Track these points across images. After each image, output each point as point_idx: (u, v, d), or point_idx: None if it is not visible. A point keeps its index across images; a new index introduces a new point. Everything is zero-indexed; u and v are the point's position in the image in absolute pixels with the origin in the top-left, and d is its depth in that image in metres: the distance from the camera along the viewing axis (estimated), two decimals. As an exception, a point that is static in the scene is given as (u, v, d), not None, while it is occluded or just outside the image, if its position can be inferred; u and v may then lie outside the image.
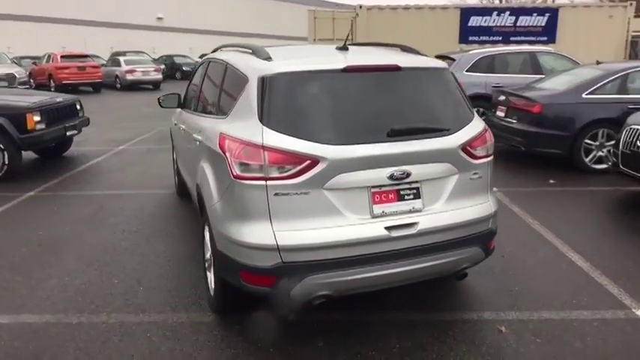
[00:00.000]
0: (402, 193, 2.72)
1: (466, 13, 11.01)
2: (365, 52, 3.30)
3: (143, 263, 4.05)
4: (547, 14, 11.19)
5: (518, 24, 11.25)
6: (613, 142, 6.70)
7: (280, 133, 2.56)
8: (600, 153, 6.77)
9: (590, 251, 4.22)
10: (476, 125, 2.97)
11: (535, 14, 11.22)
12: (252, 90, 2.76)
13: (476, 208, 2.92)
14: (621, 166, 5.30)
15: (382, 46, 3.58)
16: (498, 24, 11.19)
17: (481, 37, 11.19)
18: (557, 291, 3.57)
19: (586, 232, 4.76)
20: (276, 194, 2.54)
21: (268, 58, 2.88)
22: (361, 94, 2.76)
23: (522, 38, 11.18)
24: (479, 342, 2.96)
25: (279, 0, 42.84)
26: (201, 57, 32.20)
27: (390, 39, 11.25)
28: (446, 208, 2.81)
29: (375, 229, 2.64)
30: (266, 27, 40.39)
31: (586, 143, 6.74)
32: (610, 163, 6.76)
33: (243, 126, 2.71)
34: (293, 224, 2.56)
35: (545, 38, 11.30)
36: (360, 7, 10.98)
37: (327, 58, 2.90)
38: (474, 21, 11.15)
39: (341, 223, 2.60)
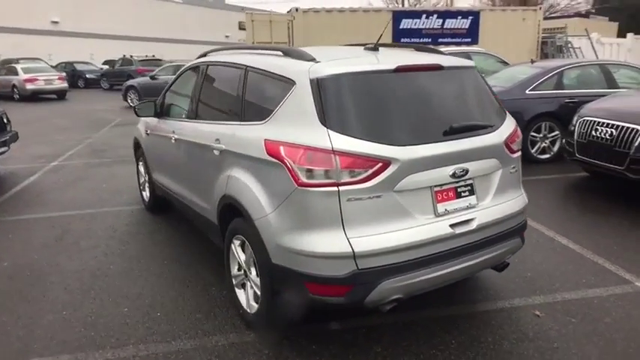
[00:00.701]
0: (459, 190, 2.75)
1: (398, 15, 11.47)
2: (394, 52, 3.29)
3: (147, 287, 3.70)
4: (470, 17, 11.99)
5: (445, 26, 11.93)
6: (555, 134, 7.36)
7: (348, 136, 2.48)
8: (544, 144, 7.37)
9: (573, 234, 4.57)
10: (510, 121, 3.09)
11: (459, 17, 11.97)
12: (303, 93, 2.63)
13: (516, 200, 3.04)
14: (577, 155, 5.80)
15: (397, 47, 3.60)
16: (427, 26, 11.78)
17: (412, 39, 11.71)
18: (565, 273, 3.82)
19: (560, 216, 5.16)
20: (348, 200, 2.45)
21: (313, 60, 2.77)
22: (412, 94, 2.76)
23: (449, 40, 11.88)
24: (524, 329, 3.08)
25: (187, 4, 41.44)
26: (107, 63, 30.14)
27: (326, 41, 11.37)
28: (494, 203, 2.89)
29: (442, 227, 2.65)
30: (174, 31, 38.85)
31: (531, 136, 7.30)
32: (552, 154, 7.42)
33: (300, 130, 2.58)
34: (367, 229, 2.49)
35: (469, 39, 12.11)
36: (297, 9, 10.96)
37: (370, 59, 2.85)
38: (405, 23, 11.62)
39: (411, 225, 2.58)
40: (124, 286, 3.72)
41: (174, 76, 4.60)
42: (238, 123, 3.11)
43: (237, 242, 3.15)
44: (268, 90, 2.96)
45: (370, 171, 2.46)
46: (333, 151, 2.44)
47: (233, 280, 3.29)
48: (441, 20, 11.76)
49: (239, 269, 3.23)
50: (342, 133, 2.48)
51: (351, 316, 3.19)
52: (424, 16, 11.55)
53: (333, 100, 2.57)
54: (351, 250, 2.44)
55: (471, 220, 2.75)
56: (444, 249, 2.65)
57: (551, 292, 3.52)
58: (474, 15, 11.83)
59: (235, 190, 2.97)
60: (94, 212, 5.47)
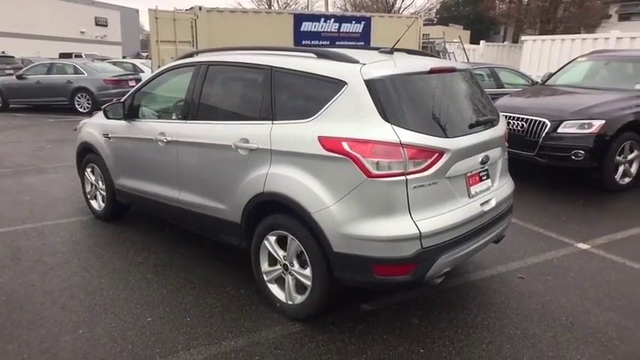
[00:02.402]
0: (481, 174, 3.21)
1: (298, 18, 11.86)
2: (407, 56, 3.59)
3: (156, 296, 3.55)
4: (362, 22, 12.89)
5: (341, 30, 12.64)
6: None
7: (408, 130, 2.77)
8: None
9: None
10: (501, 115, 3.65)
11: (354, 22, 12.78)
12: (358, 93, 2.85)
13: (509, 183, 3.61)
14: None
15: (404, 52, 3.85)
16: (326, 29, 12.36)
17: (312, 42, 12.18)
18: (522, 242, 4.55)
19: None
20: (414, 187, 2.74)
21: (356, 62, 2.99)
22: (443, 92, 3.14)
23: (345, 42, 12.62)
24: (518, 289, 3.66)
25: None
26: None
27: (230, 41, 11.31)
28: (500, 185, 3.42)
29: (475, 207, 3.08)
30: (20, 25, 34.38)
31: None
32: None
33: (360, 127, 2.79)
34: (427, 212, 2.81)
35: (363, 43, 12.99)
36: (200, 8, 10.71)
37: (398, 62, 3.15)
38: (306, 26, 12.06)
39: (457, 206, 2.96)
40: (131, 298, 3.52)
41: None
42: (272, 122, 3.19)
43: (272, 238, 3.23)
44: (309, 90, 3.10)
45: (429, 161, 2.78)
46: (401, 144, 2.71)
47: (264, 277, 3.36)
48: (337, 24, 12.46)
49: (271, 264, 3.32)
50: (405, 128, 2.76)
51: (375, 297, 3.47)
52: (322, 19, 12.14)
53: (389, 99, 2.84)
54: (417, 232, 2.75)
55: (490, 199, 3.24)
56: (475, 225, 3.09)
57: (520, 259, 4.19)
58: (366, 20, 12.77)
59: (280, 187, 3.06)
60: (36, 227, 4.91)
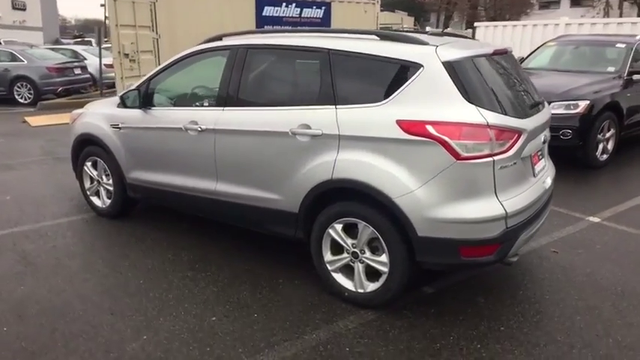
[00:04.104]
0: (539, 154, 3.30)
1: (260, 3, 11.49)
2: (452, 38, 3.59)
3: (216, 292, 3.35)
4: (323, 7, 12.73)
5: (302, 15, 12.41)
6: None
7: (491, 111, 2.78)
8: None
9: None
10: None
11: (314, 7, 12.59)
12: (437, 75, 2.81)
13: (551, 163, 3.73)
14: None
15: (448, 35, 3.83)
16: (287, 14, 12.08)
17: (274, 27, 11.88)
18: (539, 219, 4.76)
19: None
20: (500, 168, 2.77)
21: (426, 44, 2.95)
22: (504, 74, 3.18)
23: (307, 28, 12.34)
24: (558, 262, 3.82)
25: None
26: None
27: (192, 26, 10.80)
28: (548, 164, 3.54)
29: (540, 185, 3.18)
30: None
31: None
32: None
33: (442, 109, 2.77)
34: (510, 192, 2.86)
35: (324, 28, 12.85)
36: (160, -9, 10.15)
37: (469, 44, 3.15)
38: (268, 11, 11.72)
39: (529, 185, 3.04)
40: (181, 298, 3.30)
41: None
42: (335, 107, 3.08)
43: (339, 226, 3.15)
44: (378, 73, 3.02)
45: (510, 142, 2.82)
46: (488, 125, 2.72)
47: (328, 266, 3.27)
48: (299, 9, 12.23)
49: (335, 253, 3.24)
50: (488, 109, 2.77)
51: (432, 279, 3.50)
52: (284, 4, 11.86)
53: (468, 80, 2.83)
54: (504, 212, 2.78)
55: (548, 178, 3.35)
56: (541, 204, 3.19)
57: (547, 234, 4.36)
58: (326, 5, 12.64)
59: (353, 173, 2.97)
60: (35, 228, 4.46)
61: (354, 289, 3.19)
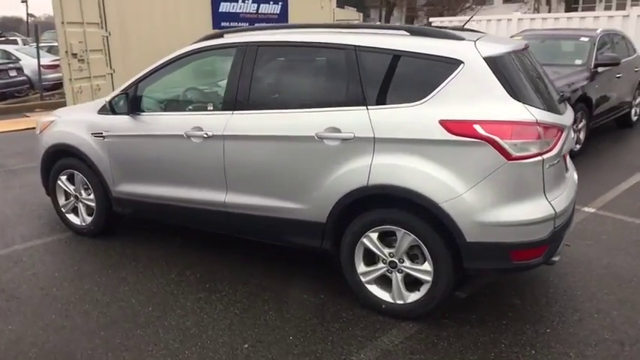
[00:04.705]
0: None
1: (215, -2, 11.03)
2: (474, 33, 3.45)
3: (239, 315, 3.05)
4: (280, 3, 12.37)
5: (259, 11, 11.97)
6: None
7: (536, 108, 2.67)
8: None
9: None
10: None
11: (271, 2, 12.21)
12: (479, 71, 2.67)
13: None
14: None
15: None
16: (244, 10, 11.61)
17: (231, 23, 11.38)
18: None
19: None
20: (548, 166, 2.67)
21: (462, 39, 2.80)
22: (535, 69, 3.08)
23: (264, 25, 12.01)
24: (573, 255, 3.80)
25: None
26: None
27: (145, 23, 10.16)
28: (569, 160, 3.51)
29: (573, 182, 3.13)
30: None
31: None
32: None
33: (488, 107, 2.63)
34: (555, 191, 2.77)
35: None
36: (108, -15, 9.38)
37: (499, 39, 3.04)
38: (224, 7, 11.20)
39: (567, 182, 2.98)
40: (202, 324, 2.97)
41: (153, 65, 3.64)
42: (366, 107, 2.86)
43: (374, 235, 2.94)
44: (412, 71, 2.84)
45: (555, 139, 2.72)
46: (537, 123, 2.60)
47: (362, 278, 3.05)
48: (255, 5, 11.80)
49: (369, 264, 3.04)
50: (533, 106, 2.66)
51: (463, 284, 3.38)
52: (241, 0, 11.44)
53: (511, 76, 2.71)
54: (553, 212, 2.69)
55: (574, 173, 3.31)
56: (574, 200, 3.14)
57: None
58: (283, 1, 12.31)
59: (393, 178, 2.77)
60: (5, 254, 3.93)
61: (392, 301, 3.00)
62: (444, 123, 2.66)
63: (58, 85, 13.77)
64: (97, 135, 3.84)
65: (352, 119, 2.89)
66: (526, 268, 2.83)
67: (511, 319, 3.01)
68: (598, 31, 7.60)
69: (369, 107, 2.87)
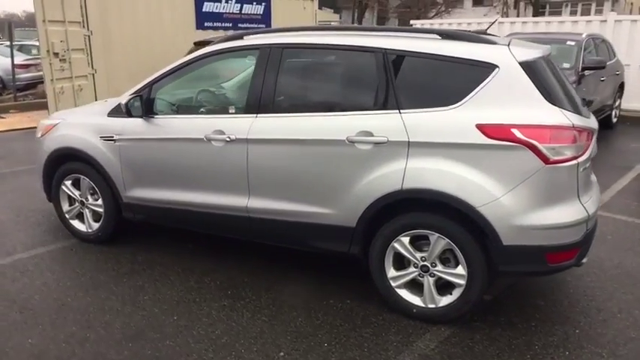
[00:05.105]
0: (586, 152, 3.32)
1: (199, -2, 10.81)
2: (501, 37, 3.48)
3: (269, 322, 2.99)
4: (263, 3, 12.23)
5: (243, 11, 11.80)
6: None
7: (570, 112, 2.71)
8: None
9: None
10: None
11: (255, 3, 12.05)
12: (514, 76, 2.69)
13: None
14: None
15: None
16: (228, 10, 11.41)
17: (214, 23, 11.17)
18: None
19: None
20: (582, 170, 2.72)
21: (494, 43, 2.83)
22: (558, 74, 3.13)
23: (247, 25, 11.87)
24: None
25: None
26: None
27: (127, 22, 9.90)
28: None
29: (595, 184, 3.19)
30: None
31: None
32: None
33: (524, 111, 2.66)
34: (587, 194, 2.84)
35: (264, 25, 12.38)
36: (91, -17, 9.05)
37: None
38: (207, 7, 10.98)
39: (593, 184, 3.04)
40: (232, 333, 2.89)
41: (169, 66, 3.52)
42: (398, 111, 2.85)
43: (406, 239, 2.94)
44: (445, 74, 2.84)
45: (587, 142, 2.78)
46: (574, 127, 2.65)
47: (392, 283, 3.04)
48: (239, 5, 11.63)
49: (399, 268, 3.03)
50: (566, 110, 2.71)
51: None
52: (224, 0, 11.26)
53: (545, 81, 2.75)
54: (587, 214, 2.74)
55: (593, 175, 3.39)
56: (597, 202, 3.22)
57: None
58: (266, 1, 12.18)
59: (428, 182, 2.77)
60: (9, 263, 3.74)
61: (423, 305, 2.99)
62: (481, 127, 2.68)
63: (30, 85, 13.32)
64: (107, 139, 3.70)
65: (385, 123, 2.88)
66: (559, 270, 2.87)
67: (539, 320, 3.06)
68: (584, 36, 7.83)
69: (401, 111, 2.86)
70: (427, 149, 2.79)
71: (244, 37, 3.44)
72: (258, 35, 3.43)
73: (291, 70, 3.24)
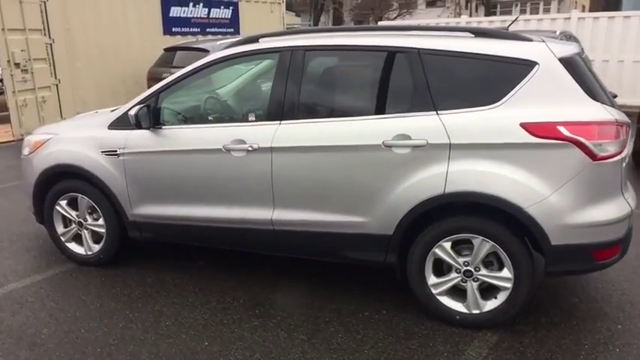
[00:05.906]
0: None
1: (166, 3, 10.33)
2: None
3: (308, 340, 2.81)
4: (231, 7, 11.93)
5: (211, 16, 11.45)
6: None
7: (610, 107, 2.69)
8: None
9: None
10: None
11: (222, 7, 11.72)
12: (555, 73, 2.64)
13: None
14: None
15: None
16: (195, 15, 11.01)
17: (182, 29, 10.74)
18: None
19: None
20: (625, 164, 2.70)
21: (529, 40, 2.77)
22: (591, 69, 3.11)
23: (216, 30, 11.51)
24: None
25: None
26: None
27: (92, 29, 9.43)
28: None
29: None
30: None
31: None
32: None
33: (568, 108, 2.61)
34: (628, 189, 2.84)
35: (232, 30, 12.05)
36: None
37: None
38: (175, 11, 10.55)
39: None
40: (275, 356, 2.71)
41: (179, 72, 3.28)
42: (436, 112, 2.74)
43: (447, 245, 2.84)
44: (482, 73, 2.76)
45: (625, 137, 2.76)
46: (617, 122, 2.62)
47: (432, 290, 2.94)
48: (206, 9, 11.29)
49: (439, 275, 2.93)
50: (607, 105, 2.68)
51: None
52: (191, 4, 10.83)
53: (584, 77, 2.72)
54: (630, 210, 2.73)
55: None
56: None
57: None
58: (233, 5, 11.90)
59: (473, 185, 2.68)
60: (4, 294, 3.39)
61: (466, 311, 2.90)
62: (525, 126, 2.61)
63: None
64: (110, 153, 3.42)
65: (423, 125, 2.77)
66: (605, 266, 2.84)
67: (579, 318, 3.03)
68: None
69: (439, 112, 2.76)
70: (469, 151, 2.70)
71: (260, 40, 3.26)
72: (275, 38, 3.26)
73: (316, 73, 3.09)
